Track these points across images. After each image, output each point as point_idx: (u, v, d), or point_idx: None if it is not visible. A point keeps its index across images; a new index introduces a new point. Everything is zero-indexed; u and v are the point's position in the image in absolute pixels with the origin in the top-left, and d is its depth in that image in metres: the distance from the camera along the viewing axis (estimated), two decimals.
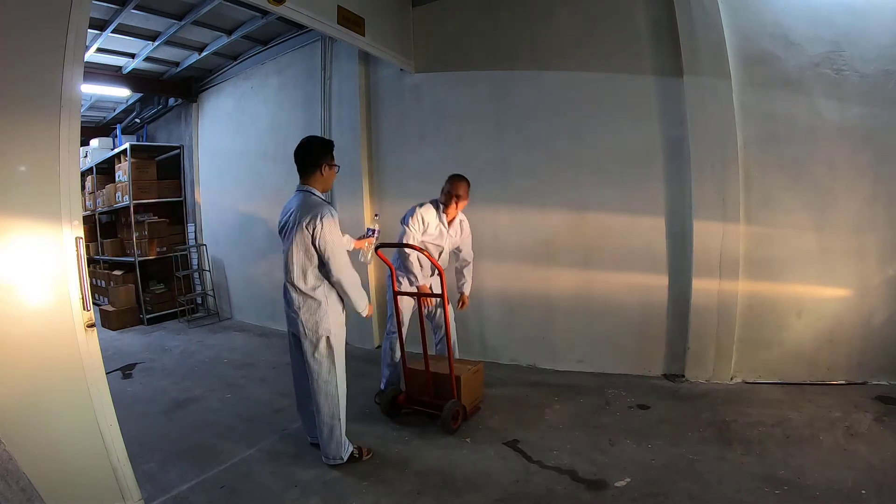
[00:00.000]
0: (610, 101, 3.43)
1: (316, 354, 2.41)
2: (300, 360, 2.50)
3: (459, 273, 3.37)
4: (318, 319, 2.39)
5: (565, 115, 3.59)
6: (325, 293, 2.40)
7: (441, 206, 3.15)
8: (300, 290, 2.38)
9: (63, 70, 1.84)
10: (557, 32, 3.59)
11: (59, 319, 1.89)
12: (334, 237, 2.34)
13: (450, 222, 3.18)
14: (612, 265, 3.50)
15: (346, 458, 2.49)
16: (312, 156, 2.48)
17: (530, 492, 2.21)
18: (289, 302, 2.45)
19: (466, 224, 3.35)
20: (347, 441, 2.52)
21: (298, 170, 2.51)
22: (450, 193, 3.10)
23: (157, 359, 4.70)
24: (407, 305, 3.18)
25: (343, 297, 2.46)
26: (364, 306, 2.52)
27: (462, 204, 3.15)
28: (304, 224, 2.32)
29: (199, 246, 6.43)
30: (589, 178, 3.53)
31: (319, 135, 4.74)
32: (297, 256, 2.36)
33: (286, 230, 2.45)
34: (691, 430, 2.63)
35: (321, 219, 2.30)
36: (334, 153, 2.55)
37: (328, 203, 2.45)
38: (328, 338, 2.41)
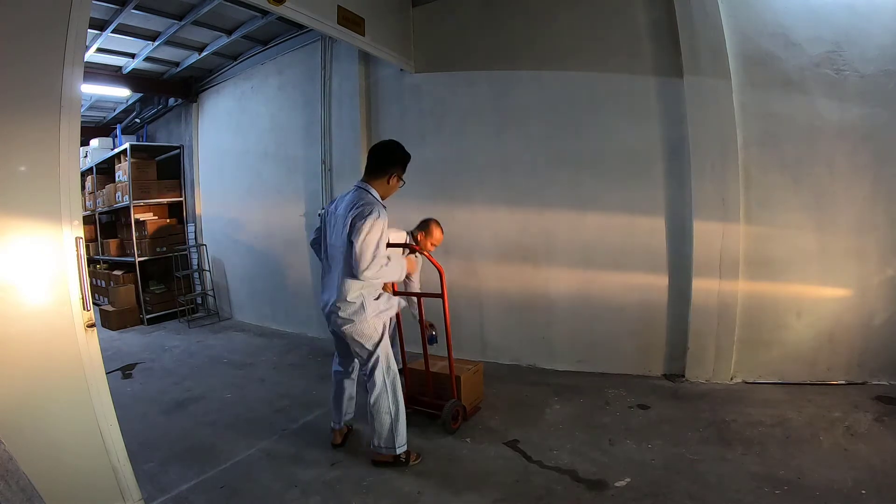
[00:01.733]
0: (610, 101, 3.44)
1: (362, 350, 2.41)
2: (347, 356, 2.53)
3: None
4: (359, 316, 2.34)
5: (565, 115, 3.59)
6: (368, 289, 2.37)
7: (415, 238, 3.07)
8: (343, 287, 2.31)
9: (63, 70, 1.84)
10: (557, 32, 3.59)
11: (59, 319, 1.89)
12: (370, 236, 2.16)
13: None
14: (612, 265, 3.50)
15: (399, 453, 2.43)
16: (390, 160, 2.37)
17: (530, 492, 2.20)
18: (328, 301, 2.39)
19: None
20: (404, 440, 2.46)
21: (368, 166, 2.41)
22: (429, 238, 3.08)
23: (157, 359, 4.70)
24: None
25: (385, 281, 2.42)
26: (400, 274, 2.40)
27: (433, 249, 3.10)
28: (350, 216, 2.22)
29: (199, 246, 6.43)
30: (589, 178, 3.54)
31: (320, 136, 4.77)
32: (340, 251, 2.30)
33: (332, 224, 2.39)
34: (691, 430, 2.63)
35: (365, 217, 2.17)
36: (405, 168, 2.45)
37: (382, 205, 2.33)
38: (372, 331, 2.38)
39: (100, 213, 7.09)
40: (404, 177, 2.46)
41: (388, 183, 2.39)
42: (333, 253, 2.39)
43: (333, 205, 2.48)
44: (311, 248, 2.72)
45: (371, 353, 2.41)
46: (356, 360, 2.57)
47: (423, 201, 4.21)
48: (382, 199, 2.39)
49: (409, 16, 4.25)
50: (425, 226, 3.13)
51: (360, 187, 2.38)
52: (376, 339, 2.41)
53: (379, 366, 2.42)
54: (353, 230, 2.19)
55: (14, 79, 1.76)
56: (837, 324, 3.03)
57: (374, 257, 2.17)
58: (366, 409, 2.47)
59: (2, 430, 1.62)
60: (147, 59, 5.29)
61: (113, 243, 6.74)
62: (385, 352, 2.44)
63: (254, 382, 3.91)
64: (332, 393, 2.73)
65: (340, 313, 2.36)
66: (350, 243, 2.21)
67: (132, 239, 6.17)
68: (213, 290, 6.32)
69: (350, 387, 2.73)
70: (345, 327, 2.37)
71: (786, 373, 3.14)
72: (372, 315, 2.37)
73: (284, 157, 5.24)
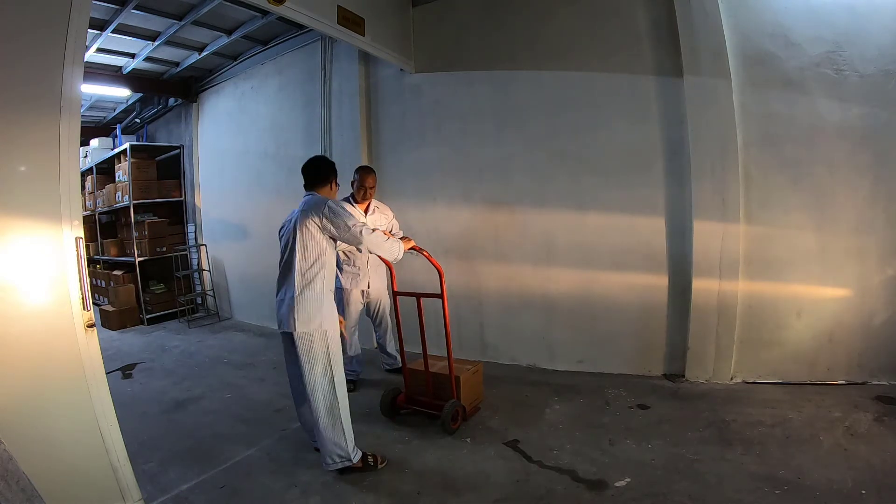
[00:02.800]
0: (610, 101, 3.43)
1: (310, 354, 2.36)
2: (296, 361, 2.42)
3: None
4: (311, 317, 2.34)
5: (565, 115, 3.59)
6: (320, 289, 2.38)
7: (353, 199, 3.46)
8: (295, 287, 2.35)
9: (63, 70, 1.84)
10: (557, 32, 3.59)
11: (59, 319, 1.90)
12: (345, 213, 2.37)
13: (365, 211, 3.48)
14: (612, 265, 3.50)
15: (355, 461, 2.40)
16: (325, 172, 2.60)
17: (530, 492, 2.21)
18: (281, 300, 2.42)
19: (388, 209, 3.65)
20: (354, 445, 2.44)
21: (307, 182, 2.59)
22: (362, 185, 3.40)
23: (157, 359, 4.71)
24: (355, 304, 3.51)
25: (384, 255, 2.55)
26: (400, 249, 2.55)
27: (372, 193, 3.47)
28: (311, 217, 2.35)
29: (199, 246, 6.43)
30: (589, 178, 3.53)
31: (320, 136, 4.79)
32: (297, 253, 2.36)
33: (286, 229, 2.48)
34: (691, 430, 2.63)
35: (327, 206, 2.36)
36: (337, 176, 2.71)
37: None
38: (323, 335, 2.36)
39: (100, 213, 7.09)
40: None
41: (331, 189, 2.62)
42: (289, 255, 2.41)
43: (289, 217, 2.54)
44: None
45: (326, 367, 2.37)
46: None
47: (423, 201, 4.22)
48: None
49: (409, 16, 4.25)
50: (354, 180, 3.42)
51: (309, 195, 2.55)
52: (332, 349, 2.38)
53: (337, 378, 2.39)
54: (324, 223, 2.35)
55: (14, 79, 1.76)
56: (837, 324, 3.03)
57: (360, 227, 2.36)
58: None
59: (2, 430, 1.62)
60: (147, 59, 5.29)
61: (113, 243, 6.74)
62: (340, 362, 2.43)
63: (254, 382, 3.91)
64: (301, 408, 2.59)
65: (297, 313, 2.33)
66: (330, 236, 2.39)
67: (132, 239, 6.17)
68: (212, 290, 6.32)
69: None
70: (300, 330, 2.34)
71: (786, 373, 3.14)
72: (328, 312, 2.39)
73: (284, 157, 5.24)
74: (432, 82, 4.22)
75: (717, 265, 3.15)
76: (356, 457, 2.42)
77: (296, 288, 2.36)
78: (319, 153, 4.74)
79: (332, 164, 2.66)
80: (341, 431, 2.39)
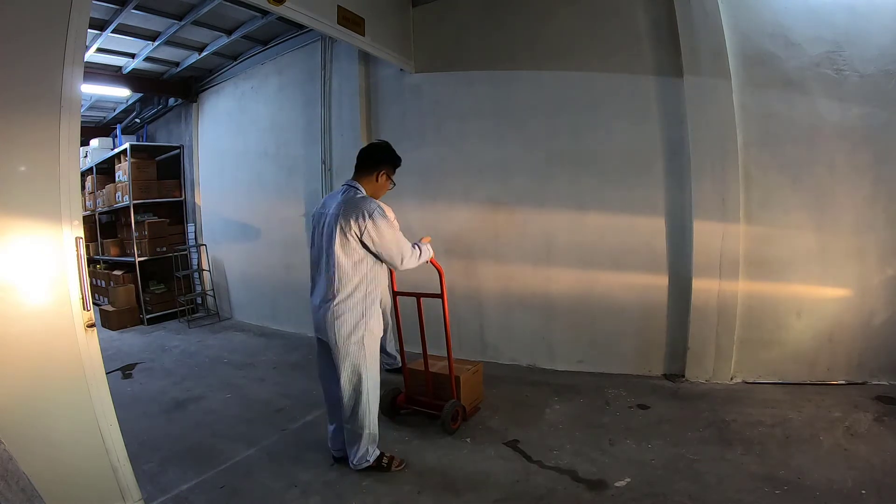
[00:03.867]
0: (610, 101, 3.43)
1: (347, 363, 2.28)
2: (331, 365, 2.34)
3: None
4: (352, 331, 2.25)
5: (565, 115, 3.59)
6: (363, 296, 2.28)
7: None
8: (336, 292, 2.23)
9: (63, 70, 1.84)
10: (557, 32, 3.59)
11: (59, 319, 1.89)
12: (389, 231, 2.23)
13: None
14: (612, 265, 3.50)
15: (371, 461, 2.41)
16: (377, 157, 2.40)
17: (530, 492, 2.21)
18: (319, 305, 2.30)
19: (389, 209, 3.56)
20: (376, 447, 2.45)
21: (356, 166, 2.43)
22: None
23: (157, 359, 4.70)
24: None
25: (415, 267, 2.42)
26: (427, 254, 2.47)
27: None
28: (349, 223, 2.19)
29: (199, 246, 6.43)
30: (589, 178, 3.54)
31: (320, 136, 4.78)
32: (336, 257, 2.22)
33: (321, 224, 2.33)
34: (691, 430, 2.63)
35: (370, 216, 2.19)
36: (396, 172, 2.49)
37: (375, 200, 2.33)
38: (364, 346, 2.29)
39: (100, 213, 7.09)
40: (394, 178, 2.48)
41: (377, 181, 2.40)
42: (326, 253, 2.28)
43: (323, 205, 2.43)
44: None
45: (365, 376, 2.31)
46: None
47: (423, 200, 4.22)
48: (372, 197, 2.39)
49: (409, 16, 4.25)
50: None
51: (349, 186, 2.37)
52: (369, 358, 2.32)
53: (371, 383, 2.35)
54: (363, 234, 2.20)
55: (14, 79, 1.76)
56: (837, 324, 3.03)
57: (401, 249, 2.29)
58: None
59: (2, 430, 1.62)
60: (147, 59, 5.29)
61: (113, 243, 6.74)
62: (376, 368, 2.39)
63: (254, 382, 3.91)
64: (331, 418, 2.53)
65: (337, 327, 2.24)
66: (365, 248, 2.24)
67: (132, 239, 6.17)
68: (212, 290, 6.32)
69: None
70: (341, 343, 2.25)
71: (786, 373, 3.14)
72: (371, 323, 2.31)
73: (284, 157, 5.24)
74: (432, 82, 4.22)
75: (717, 265, 3.15)
76: (373, 457, 2.43)
77: (335, 298, 2.24)
78: (319, 153, 4.76)
79: (389, 154, 2.42)
80: (367, 432, 2.38)
